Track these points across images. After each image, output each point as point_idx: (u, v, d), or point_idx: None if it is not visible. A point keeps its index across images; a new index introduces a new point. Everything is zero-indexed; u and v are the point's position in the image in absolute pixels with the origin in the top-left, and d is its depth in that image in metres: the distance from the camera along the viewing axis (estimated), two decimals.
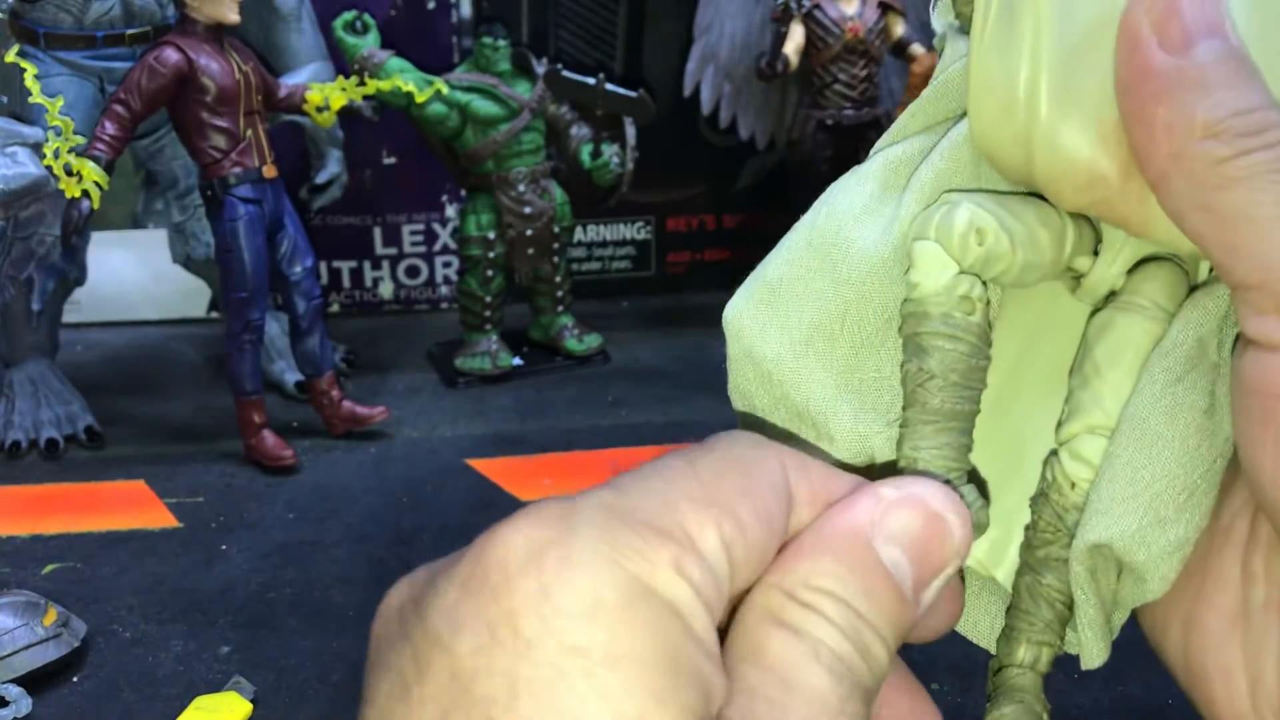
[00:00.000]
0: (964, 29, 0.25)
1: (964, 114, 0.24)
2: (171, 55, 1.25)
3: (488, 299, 1.59)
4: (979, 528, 0.23)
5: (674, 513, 0.19)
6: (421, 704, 0.17)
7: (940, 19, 0.26)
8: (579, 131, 1.58)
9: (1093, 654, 0.24)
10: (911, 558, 0.20)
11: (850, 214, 0.25)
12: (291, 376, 1.52)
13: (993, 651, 0.26)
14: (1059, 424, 0.25)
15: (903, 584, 0.20)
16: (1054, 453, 0.25)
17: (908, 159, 0.25)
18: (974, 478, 0.25)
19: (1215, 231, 0.20)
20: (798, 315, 0.25)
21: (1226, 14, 0.21)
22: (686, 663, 0.17)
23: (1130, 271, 0.25)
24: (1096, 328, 0.25)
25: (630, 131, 1.59)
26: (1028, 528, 0.26)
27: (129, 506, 1.27)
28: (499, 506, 1.25)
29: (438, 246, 1.90)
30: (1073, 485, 0.24)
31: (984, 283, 0.23)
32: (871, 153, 0.26)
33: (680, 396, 1.50)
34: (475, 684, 0.17)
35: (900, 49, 1.62)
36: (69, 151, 1.20)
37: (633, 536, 0.18)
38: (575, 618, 0.17)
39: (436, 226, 1.89)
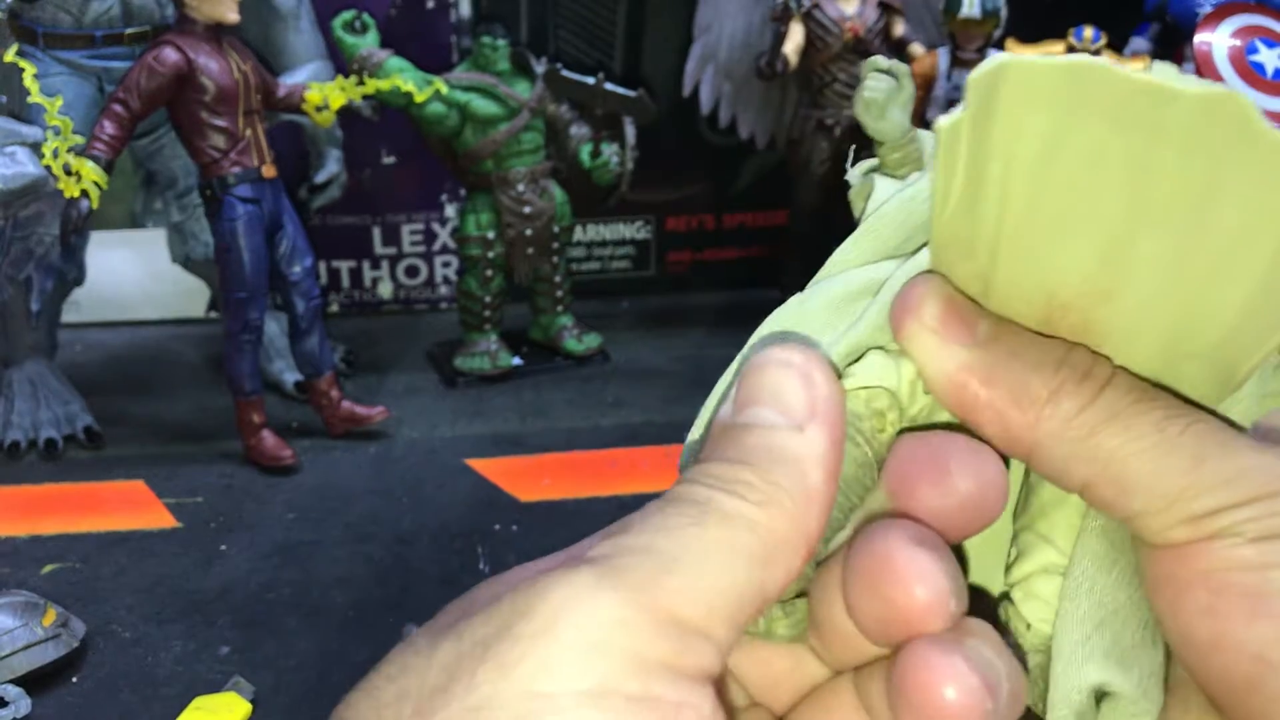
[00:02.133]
0: (888, 175, 0.26)
1: (907, 250, 0.25)
2: (170, 55, 1.25)
3: (487, 299, 1.59)
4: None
5: (655, 590, 0.19)
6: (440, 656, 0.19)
7: (857, 170, 0.26)
8: (579, 131, 1.58)
9: None
10: (808, 409, 0.22)
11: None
12: (291, 376, 1.52)
13: None
14: (1007, 567, 0.25)
15: (795, 448, 0.21)
16: (1005, 595, 0.25)
17: (850, 294, 0.26)
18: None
19: (1102, 476, 0.21)
20: None
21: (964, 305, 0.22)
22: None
23: None
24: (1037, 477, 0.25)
25: (630, 131, 1.59)
26: None
27: (129, 506, 1.27)
28: (499, 506, 1.25)
29: (437, 246, 1.90)
30: (1028, 626, 0.24)
31: (899, 414, 0.23)
32: (811, 284, 0.26)
33: (680, 396, 1.50)
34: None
35: (900, 48, 1.62)
36: (68, 151, 1.20)
37: (616, 612, 0.19)
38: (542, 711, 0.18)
39: (436, 226, 1.89)
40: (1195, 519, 0.21)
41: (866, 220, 0.26)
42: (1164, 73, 0.18)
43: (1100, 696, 0.24)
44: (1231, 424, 0.22)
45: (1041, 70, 0.19)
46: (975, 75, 0.19)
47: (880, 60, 0.26)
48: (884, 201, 0.25)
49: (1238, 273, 0.20)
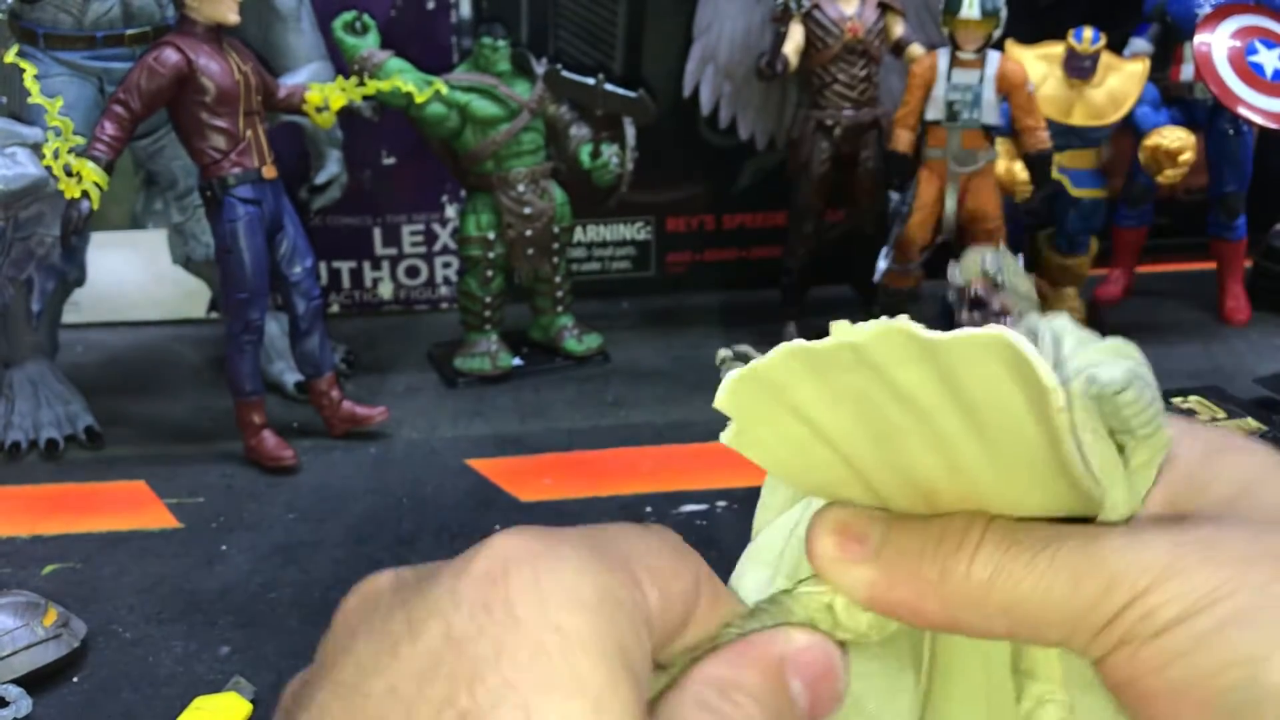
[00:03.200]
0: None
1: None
2: (171, 56, 1.25)
3: (487, 299, 1.59)
4: None
5: (632, 564, 0.23)
6: (412, 658, 0.20)
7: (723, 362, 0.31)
8: (579, 131, 1.58)
9: None
10: (809, 692, 0.25)
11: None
12: (291, 377, 1.52)
13: None
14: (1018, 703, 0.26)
15: (800, 713, 0.24)
16: None
17: (775, 547, 0.29)
18: None
19: (1016, 623, 0.24)
20: None
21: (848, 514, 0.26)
22: (635, 663, 0.21)
23: None
24: None
25: (630, 131, 1.59)
26: None
27: (129, 507, 1.27)
28: (499, 507, 1.25)
29: (437, 247, 1.90)
30: None
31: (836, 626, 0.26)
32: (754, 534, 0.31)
33: (680, 396, 1.50)
34: (467, 644, 0.20)
35: (900, 49, 1.62)
36: (68, 152, 1.20)
37: (605, 561, 0.22)
38: (560, 606, 0.20)
39: (436, 227, 1.89)
40: (1097, 635, 0.23)
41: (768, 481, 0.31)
42: (838, 331, 0.22)
43: None
44: (1098, 525, 0.24)
45: (762, 370, 0.23)
46: (720, 401, 0.24)
47: (721, 352, 0.30)
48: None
49: (980, 462, 0.23)
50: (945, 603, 0.24)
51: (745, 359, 0.28)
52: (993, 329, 0.20)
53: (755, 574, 0.29)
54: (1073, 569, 0.23)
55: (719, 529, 1.15)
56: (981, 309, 0.27)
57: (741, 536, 0.32)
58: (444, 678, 0.19)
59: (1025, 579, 0.23)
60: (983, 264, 0.28)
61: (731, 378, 0.24)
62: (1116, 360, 0.24)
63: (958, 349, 0.21)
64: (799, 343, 0.23)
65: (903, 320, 0.21)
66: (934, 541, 0.25)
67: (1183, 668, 0.22)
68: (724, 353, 0.30)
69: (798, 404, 0.24)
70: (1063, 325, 0.26)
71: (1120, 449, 0.25)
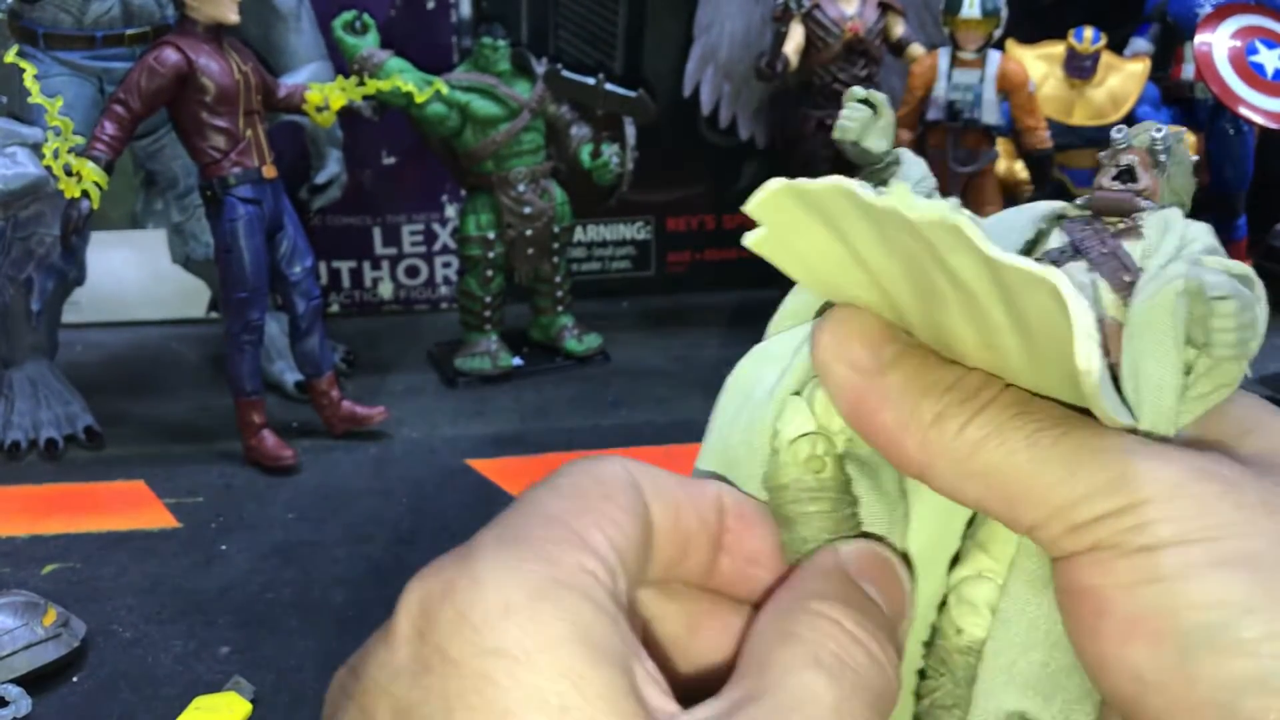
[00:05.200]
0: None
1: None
2: (171, 55, 1.25)
3: (487, 299, 1.59)
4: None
5: (557, 526, 0.20)
6: None
7: None
8: (579, 131, 1.58)
9: None
10: (881, 593, 0.23)
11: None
12: (291, 376, 1.52)
13: None
14: (950, 571, 0.25)
15: (884, 611, 0.23)
16: (944, 601, 0.25)
17: (780, 348, 0.28)
18: None
19: (991, 492, 0.22)
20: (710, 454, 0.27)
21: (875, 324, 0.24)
22: (602, 640, 0.19)
23: None
24: None
25: (630, 131, 1.59)
26: (919, 677, 0.26)
27: (129, 506, 1.27)
28: (499, 506, 1.24)
29: (437, 246, 1.90)
30: (958, 630, 0.25)
31: (832, 441, 0.25)
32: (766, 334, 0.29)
33: (680, 396, 1.50)
34: (416, 711, 0.18)
35: (900, 49, 1.62)
36: (68, 152, 1.20)
37: (528, 549, 0.20)
38: (489, 625, 0.18)
39: (436, 226, 1.89)
40: (1075, 529, 0.21)
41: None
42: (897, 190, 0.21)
43: None
44: (1112, 430, 0.22)
45: (807, 190, 0.22)
46: (753, 206, 0.22)
47: (858, 90, 0.27)
48: None
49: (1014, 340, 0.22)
50: (926, 448, 0.23)
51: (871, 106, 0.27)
52: (1050, 273, 0.19)
53: (759, 369, 0.28)
54: (1076, 455, 0.21)
55: None
56: (1126, 182, 0.25)
57: None
58: None
59: (1020, 450, 0.22)
60: (1151, 137, 0.26)
61: (771, 188, 0.22)
62: (1235, 280, 0.23)
63: (1012, 274, 0.20)
64: (856, 186, 0.21)
65: (964, 218, 0.20)
66: (943, 385, 0.23)
67: (1156, 592, 0.20)
68: (856, 91, 0.28)
69: (843, 230, 0.22)
70: (1201, 231, 0.25)
71: (1187, 371, 0.23)
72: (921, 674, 0.25)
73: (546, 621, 0.18)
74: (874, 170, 0.28)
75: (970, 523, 0.25)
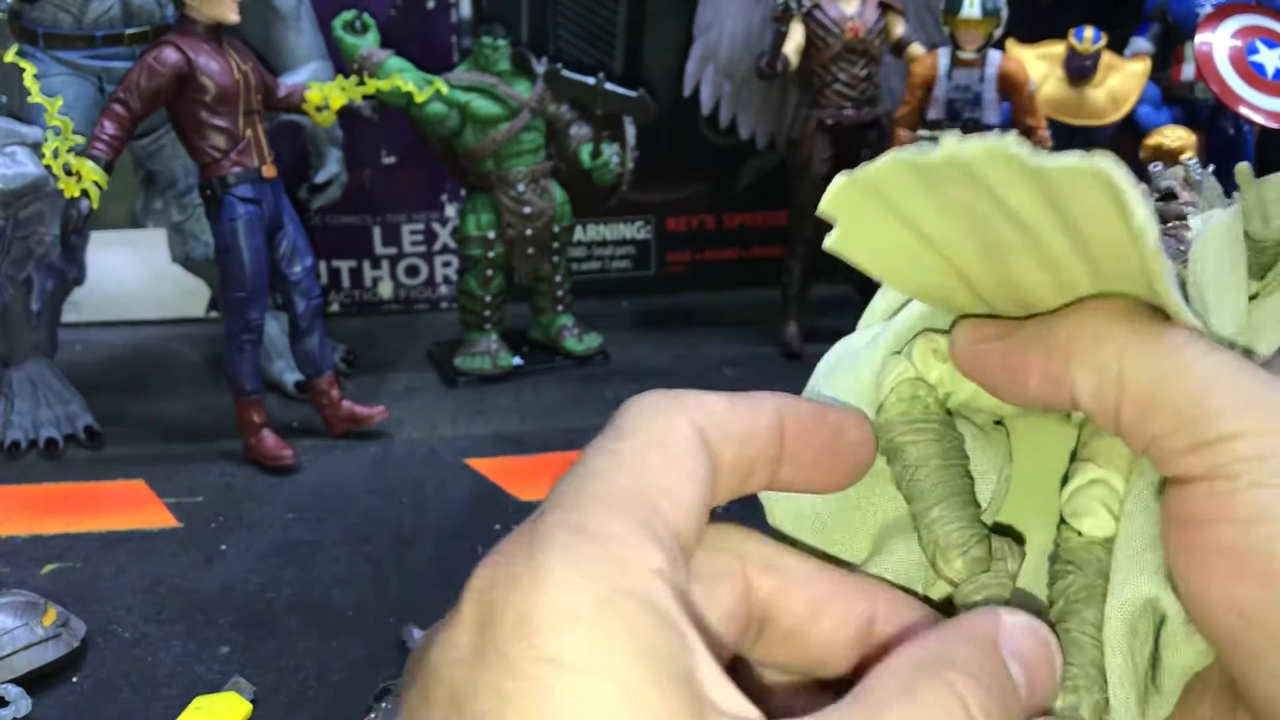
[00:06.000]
0: None
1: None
2: (171, 55, 1.25)
3: (487, 299, 1.59)
4: (976, 562, 0.26)
5: (623, 514, 0.21)
6: None
7: None
8: (579, 131, 1.58)
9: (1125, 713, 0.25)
10: (1028, 678, 0.22)
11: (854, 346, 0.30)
12: (291, 376, 1.52)
13: None
14: (1063, 497, 0.26)
15: (1020, 697, 0.22)
16: (1062, 520, 0.26)
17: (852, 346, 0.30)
18: (1001, 532, 0.27)
19: (1126, 399, 0.23)
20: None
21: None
22: (666, 657, 0.19)
23: None
24: (1090, 431, 0.27)
25: (630, 131, 1.59)
26: (1048, 595, 0.26)
27: (129, 506, 1.27)
28: (499, 506, 1.25)
29: (437, 246, 1.90)
30: (1079, 534, 0.25)
31: (933, 388, 0.27)
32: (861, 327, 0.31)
33: None
34: (469, 703, 0.18)
35: (900, 48, 1.62)
36: (68, 151, 1.20)
37: (595, 547, 0.20)
38: (550, 632, 0.18)
39: (436, 226, 1.89)
40: (1199, 446, 0.21)
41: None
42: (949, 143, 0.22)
43: (1159, 621, 0.24)
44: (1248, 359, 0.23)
45: (868, 177, 0.23)
46: (826, 205, 0.24)
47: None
48: None
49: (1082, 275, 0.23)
50: (1069, 358, 0.23)
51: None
52: (1098, 160, 0.20)
53: (846, 346, 0.29)
54: (1215, 372, 0.22)
55: None
56: (1169, 200, 0.28)
57: None
58: None
59: (1163, 358, 0.22)
60: (1185, 165, 0.28)
61: (838, 184, 0.24)
62: None
63: (1062, 175, 0.21)
64: (909, 152, 0.22)
65: (1011, 141, 0.21)
66: (1074, 308, 0.23)
67: (1269, 530, 0.20)
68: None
69: (906, 212, 0.24)
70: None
71: (1261, 275, 0.25)
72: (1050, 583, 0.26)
73: (609, 634, 0.18)
74: None
75: (1073, 454, 0.27)
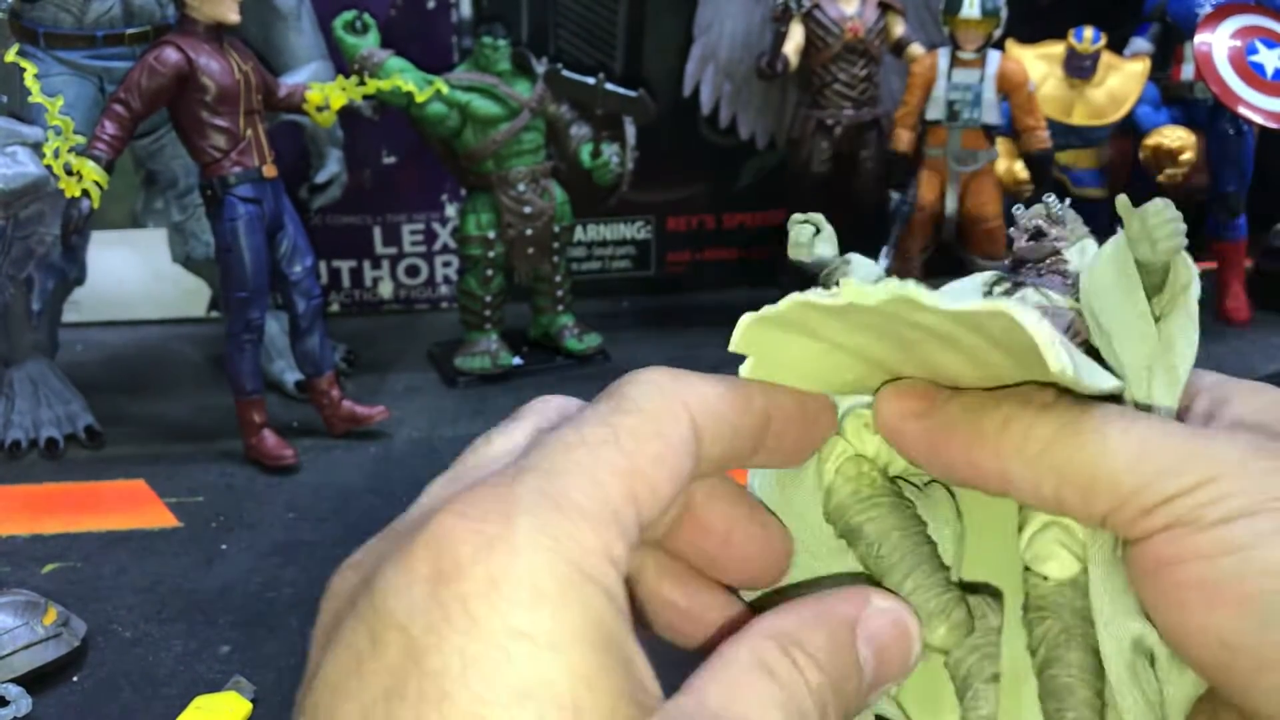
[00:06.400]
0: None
1: None
2: (171, 55, 1.25)
3: (488, 299, 1.59)
4: (959, 627, 0.26)
5: (602, 490, 0.21)
6: (375, 675, 0.19)
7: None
8: (579, 131, 1.58)
9: None
10: (876, 659, 0.24)
11: None
12: (291, 376, 1.52)
13: None
14: (1021, 544, 0.27)
15: (864, 679, 0.24)
16: (1025, 569, 0.27)
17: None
18: (973, 590, 0.28)
19: (1065, 484, 0.24)
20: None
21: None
22: (614, 643, 0.20)
23: None
24: None
25: (630, 131, 1.59)
26: (1028, 643, 0.27)
27: (129, 506, 1.27)
28: None
29: (438, 246, 1.90)
30: (1045, 578, 0.26)
31: (872, 461, 0.28)
32: None
33: None
34: (428, 658, 0.19)
35: (900, 49, 1.62)
36: (69, 151, 1.20)
37: (568, 524, 0.20)
38: (520, 604, 0.19)
39: (436, 226, 1.89)
40: (1148, 512, 0.23)
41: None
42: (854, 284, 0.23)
43: (1149, 659, 0.25)
44: (1168, 417, 0.25)
45: (774, 315, 0.25)
46: (735, 344, 0.26)
47: (797, 216, 0.32)
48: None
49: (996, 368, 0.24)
50: (999, 454, 0.24)
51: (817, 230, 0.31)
52: (997, 303, 0.21)
53: None
54: (1143, 442, 0.23)
55: None
56: (1039, 239, 0.29)
57: None
58: (412, 698, 0.18)
59: (1090, 443, 0.23)
60: (1048, 204, 0.30)
61: (744, 324, 0.25)
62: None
63: (967, 318, 0.22)
64: (811, 296, 0.24)
65: (910, 287, 0.22)
66: (999, 397, 0.25)
67: (1235, 561, 0.21)
68: (796, 216, 0.32)
69: (816, 332, 0.25)
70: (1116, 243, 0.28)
71: (1156, 316, 0.26)
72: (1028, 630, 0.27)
73: (572, 616, 0.19)
74: (829, 272, 0.32)
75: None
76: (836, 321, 0.24)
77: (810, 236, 0.32)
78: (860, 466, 0.27)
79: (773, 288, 1.76)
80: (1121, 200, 0.26)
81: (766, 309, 0.25)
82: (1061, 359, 0.22)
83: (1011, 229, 0.30)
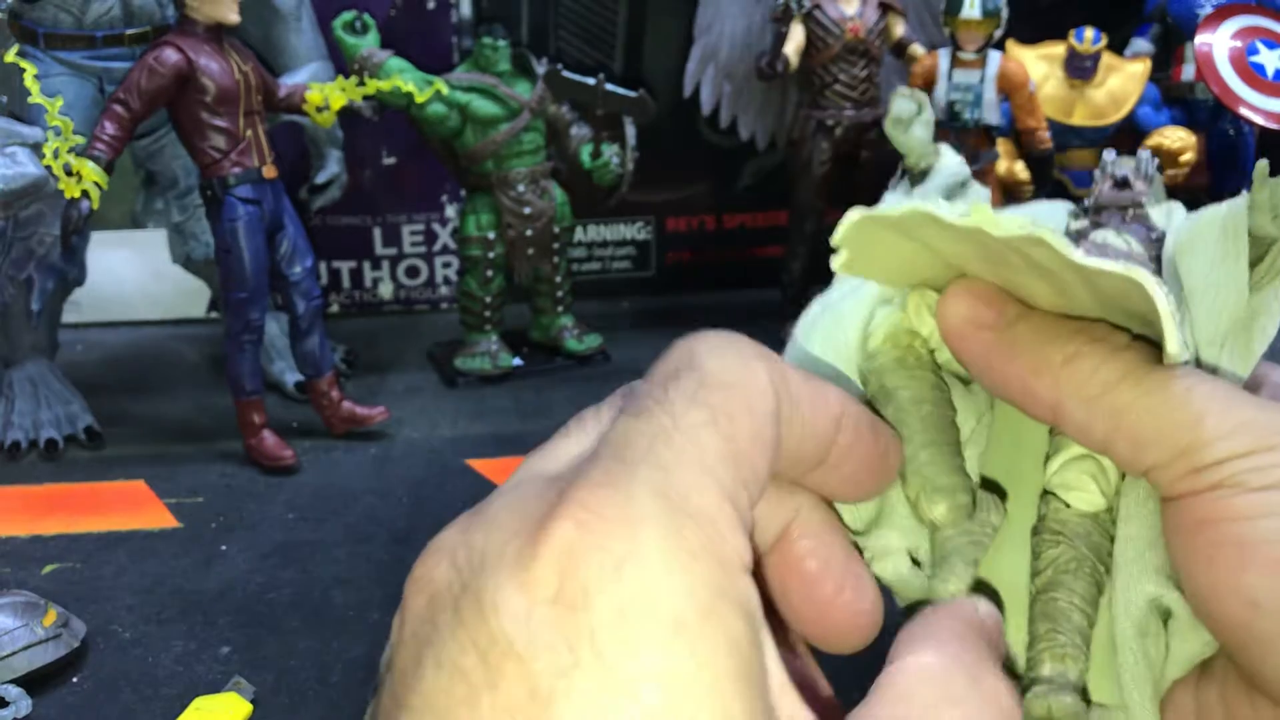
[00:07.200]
0: (914, 182, 0.31)
1: None
2: (171, 55, 1.25)
3: (487, 299, 1.59)
4: (960, 509, 0.26)
5: (718, 489, 0.19)
6: (492, 713, 0.17)
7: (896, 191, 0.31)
8: (579, 131, 1.58)
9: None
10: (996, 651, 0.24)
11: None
12: (291, 376, 1.52)
13: None
14: (1045, 463, 0.27)
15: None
16: (1045, 492, 0.27)
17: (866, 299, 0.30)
18: (984, 485, 0.28)
19: (1119, 431, 0.24)
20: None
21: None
22: (754, 668, 0.18)
23: None
24: None
25: (630, 131, 1.59)
26: (1033, 565, 0.26)
27: (129, 506, 1.27)
28: None
29: (437, 246, 1.90)
30: (1067, 505, 0.26)
31: (925, 340, 0.27)
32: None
33: None
34: (556, 705, 0.17)
35: (900, 49, 1.62)
36: (68, 151, 1.20)
37: (699, 535, 0.18)
38: (655, 642, 0.17)
39: (436, 226, 1.89)
40: (1198, 470, 0.23)
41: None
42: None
43: (1164, 617, 0.25)
44: (1233, 384, 0.25)
45: (886, 217, 0.24)
46: (839, 237, 0.25)
47: (904, 89, 0.31)
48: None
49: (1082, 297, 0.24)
50: (1057, 387, 0.24)
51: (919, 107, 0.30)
52: (1137, 272, 0.21)
53: (828, 296, 0.30)
54: (1205, 404, 0.23)
55: None
56: (1123, 189, 0.29)
57: None
58: None
59: (1154, 393, 0.23)
60: (1139, 156, 0.30)
61: (853, 219, 0.25)
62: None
63: (1096, 275, 0.22)
64: (935, 209, 0.23)
65: (1047, 232, 0.22)
66: (1071, 332, 0.24)
67: (1274, 524, 0.22)
68: (903, 89, 0.31)
69: (917, 233, 0.25)
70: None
71: (1255, 263, 0.26)
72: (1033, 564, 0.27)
73: (712, 649, 0.17)
74: (915, 158, 0.31)
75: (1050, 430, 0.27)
76: (947, 233, 0.24)
77: (912, 114, 0.31)
78: (912, 340, 0.27)
79: (773, 288, 1.76)
80: (1260, 166, 0.26)
81: (882, 208, 0.24)
82: (1178, 342, 0.22)
83: (1096, 171, 0.30)
